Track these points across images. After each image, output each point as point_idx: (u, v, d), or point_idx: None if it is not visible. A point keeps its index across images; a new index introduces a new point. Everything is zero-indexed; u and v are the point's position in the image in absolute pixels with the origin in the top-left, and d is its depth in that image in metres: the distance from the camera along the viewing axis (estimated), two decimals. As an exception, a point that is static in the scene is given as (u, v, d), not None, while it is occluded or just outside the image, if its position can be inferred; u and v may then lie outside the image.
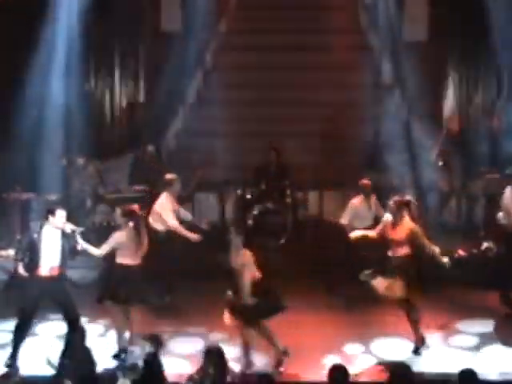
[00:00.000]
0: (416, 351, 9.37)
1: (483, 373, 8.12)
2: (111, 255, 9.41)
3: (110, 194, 13.12)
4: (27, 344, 9.13)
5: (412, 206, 9.36)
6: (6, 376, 8.70)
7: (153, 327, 9.23)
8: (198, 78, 15.14)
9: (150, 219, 11.01)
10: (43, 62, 13.34)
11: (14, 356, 8.98)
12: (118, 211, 9.80)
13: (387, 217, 9.50)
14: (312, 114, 14.70)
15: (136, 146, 13.91)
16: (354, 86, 14.63)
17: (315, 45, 14.80)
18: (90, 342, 8.27)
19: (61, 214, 8.98)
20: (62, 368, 7.75)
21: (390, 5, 14.48)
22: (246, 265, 8.75)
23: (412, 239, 9.17)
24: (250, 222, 12.87)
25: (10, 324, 9.36)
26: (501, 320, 10.36)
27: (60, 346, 8.59)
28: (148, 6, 14.77)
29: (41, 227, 9.03)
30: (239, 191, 13.51)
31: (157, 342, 7.59)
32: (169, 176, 11.17)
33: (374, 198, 11.70)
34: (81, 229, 9.21)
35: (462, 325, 10.34)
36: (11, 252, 9.55)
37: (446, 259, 9.27)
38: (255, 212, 12.97)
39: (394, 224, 9.29)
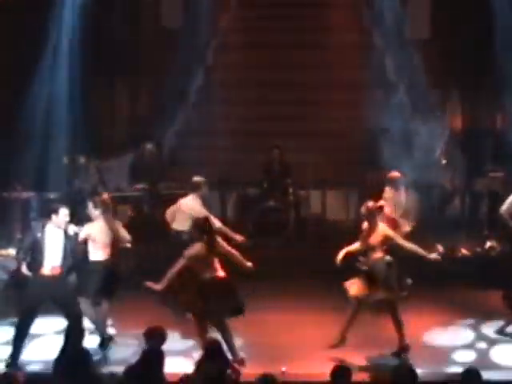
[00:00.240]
0: (397, 354, 9.22)
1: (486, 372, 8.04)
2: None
3: (110, 193, 13.07)
4: (28, 343, 9.13)
5: (385, 210, 9.38)
6: (6, 375, 8.65)
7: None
8: (199, 76, 15.09)
9: (169, 218, 10.84)
10: (43, 62, 13.32)
11: (14, 355, 8.95)
12: (91, 203, 9.67)
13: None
14: (314, 112, 14.67)
15: (136, 145, 13.88)
16: (356, 85, 14.61)
17: (316, 43, 14.76)
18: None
19: (64, 213, 8.97)
20: (59, 366, 7.67)
21: (393, 2, 14.41)
22: (187, 257, 8.75)
23: (387, 244, 9.20)
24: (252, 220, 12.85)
25: (11, 323, 9.35)
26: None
27: (60, 344, 8.53)
28: (149, 3, 14.72)
29: (43, 226, 9.00)
30: (241, 190, 13.46)
31: (160, 337, 7.50)
32: (196, 178, 10.90)
33: (403, 190, 11.47)
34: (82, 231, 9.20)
35: (462, 325, 10.31)
36: (11, 251, 9.52)
37: (433, 255, 9.30)
38: (257, 210, 12.91)
39: (369, 229, 9.29)
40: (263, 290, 10.95)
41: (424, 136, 14.01)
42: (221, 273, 8.93)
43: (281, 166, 13.48)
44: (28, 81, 13.11)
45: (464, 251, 12.16)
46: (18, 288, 10.02)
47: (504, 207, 10.24)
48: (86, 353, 7.54)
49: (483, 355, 9.40)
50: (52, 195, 12.27)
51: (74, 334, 7.94)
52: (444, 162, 13.53)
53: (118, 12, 14.16)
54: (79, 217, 10.07)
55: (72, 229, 9.06)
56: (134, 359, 7.49)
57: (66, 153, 13.19)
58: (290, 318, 9.81)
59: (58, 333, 9.43)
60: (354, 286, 9.23)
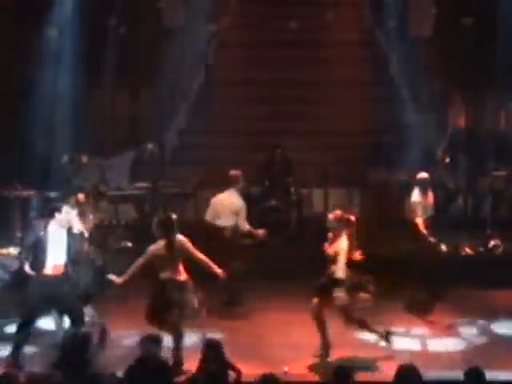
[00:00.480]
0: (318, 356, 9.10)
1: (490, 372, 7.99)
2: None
3: (111, 192, 13.06)
4: (29, 342, 9.07)
5: (352, 224, 8.97)
6: (6, 375, 8.61)
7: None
8: (200, 75, 15.05)
9: (211, 217, 10.73)
10: (43, 62, 13.33)
11: (15, 354, 8.89)
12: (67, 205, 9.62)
13: None
14: (316, 111, 14.64)
15: (137, 144, 13.85)
16: (357, 83, 14.57)
17: (319, 41, 14.72)
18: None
19: (67, 211, 8.93)
20: (60, 366, 7.63)
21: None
22: (147, 253, 8.74)
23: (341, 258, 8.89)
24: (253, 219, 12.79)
25: (13, 323, 9.30)
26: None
27: (61, 344, 8.49)
28: (149, 3, 14.69)
29: (46, 225, 8.95)
30: (243, 189, 13.41)
31: (157, 342, 7.47)
32: (234, 172, 10.85)
33: (431, 192, 11.05)
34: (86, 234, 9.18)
35: (465, 324, 10.27)
36: (12, 250, 9.48)
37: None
38: (259, 210, 12.87)
39: (333, 238, 9.03)
40: (263, 290, 10.90)
41: (426, 135, 13.99)
42: (182, 276, 8.73)
43: (282, 165, 13.43)
44: (28, 80, 13.10)
45: (467, 250, 12.10)
46: (19, 287, 9.97)
47: None
48: (87, 353, 7.52)
49: (486, 355, 9.32)
50: (52, 194, 12.22)
51: (75, 334, 7.93)
52: (447, 160, 13.48)
53: (119, 12, 14.11)
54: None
55: (77, 228, 8.99)
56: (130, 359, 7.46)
57: (67, 152, 13.16)
58: (290, 318, 9.74)
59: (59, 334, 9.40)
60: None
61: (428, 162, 13.22)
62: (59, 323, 9.26)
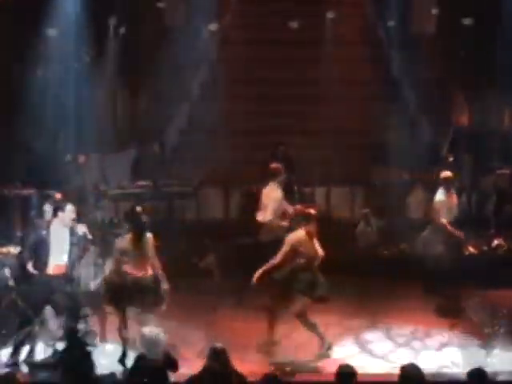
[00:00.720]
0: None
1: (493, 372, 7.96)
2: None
3: (112, 190, 13.04)
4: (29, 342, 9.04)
5: (312, 219, 8.87)
6: (6, 375, 8.59)
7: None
8: (201, 74, 15.02)
9: (261, 215, 10.58)
10: (43, 62, 13.32)
11: (16, 354, 8.91)
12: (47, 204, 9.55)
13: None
14: (319, 109, 14.60)
15: (138, 142, 13.81)
16: (361, 82, 14.55)
17: (322, 40, 14.68)
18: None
19: (70, 209, 8.89)
20: (61, 366, 7.62)
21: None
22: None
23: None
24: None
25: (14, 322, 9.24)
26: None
27: (62, 344, 8.55)
28: (150, 2, 14.67)
29: (48, 225, 8.92)
30: (245, 187, 13.39)
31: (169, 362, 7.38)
32: (274, 165, 10.71)
33: (454, 193, 10.77)
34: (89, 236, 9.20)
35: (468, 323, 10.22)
36: (12, 249, 9.47)
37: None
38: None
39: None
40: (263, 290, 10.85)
41: (430, 133, 13.98)
42: (142, 272, 8.62)
43: (284, 163, 13.36)
44: (28, 80, 13.08)
45: (471, 249, 12.05)
46: (20, 287, 9.93)
47: None
48: (86, 354, 7.49)
49: (489, 355, 9.27)
50: (53, 193, 12.18)
51: (75, 334, 7.90)
52: (451, 159, 13.44)
53: (119, 11, 14.10)
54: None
55: (80, 228, 8.98)
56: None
57: (69, 150, 13.14)
58: (290, 318, 9.69)
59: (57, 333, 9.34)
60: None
61: (431, 161, 13.21)
62: (59, 323, 9.22)
